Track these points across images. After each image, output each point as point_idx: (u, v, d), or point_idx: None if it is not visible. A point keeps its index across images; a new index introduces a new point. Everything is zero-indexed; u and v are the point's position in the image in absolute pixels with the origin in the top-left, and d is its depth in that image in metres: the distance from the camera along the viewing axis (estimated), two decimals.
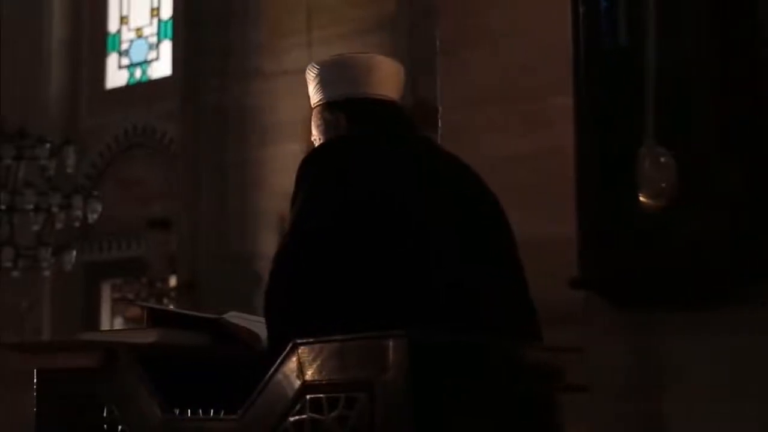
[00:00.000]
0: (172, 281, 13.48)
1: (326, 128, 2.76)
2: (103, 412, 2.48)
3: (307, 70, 2.82)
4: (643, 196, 2.44)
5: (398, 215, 2.50)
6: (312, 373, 2.23)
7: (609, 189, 2.57)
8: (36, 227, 7.96)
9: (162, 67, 14.65)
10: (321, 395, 2.22)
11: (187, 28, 13.85)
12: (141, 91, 14.66)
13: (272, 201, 13.36)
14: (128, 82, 14.94)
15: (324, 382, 2.22)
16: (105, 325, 14.82)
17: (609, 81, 2.56)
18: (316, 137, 2.80)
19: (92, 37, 15.07)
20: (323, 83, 2.76)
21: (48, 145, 7.69)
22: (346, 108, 2.74)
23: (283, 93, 13.28)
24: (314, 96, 2.80)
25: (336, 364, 2.22)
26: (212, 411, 2.44)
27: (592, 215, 2.60)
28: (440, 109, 3.36)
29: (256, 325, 2.81)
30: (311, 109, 2.83)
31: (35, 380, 2.60)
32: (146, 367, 2.47)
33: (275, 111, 13.35)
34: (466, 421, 2.30)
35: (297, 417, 2.24)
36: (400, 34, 12.60)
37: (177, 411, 2.40)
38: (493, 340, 2.43)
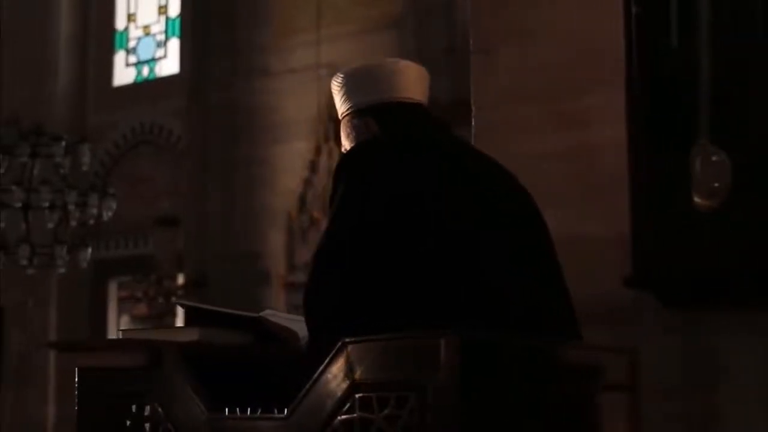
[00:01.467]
0: (180, 279, 13.48)
1: (356, 135, 2.75)
2: (146, 411, 2.48)
3: (333, 81, 2.82)
4: (696, 196, 2.44)
5: (437, 215, 2.50)
6: (361, 372, 2.23)
7: (663, 189, 2.57)
8: (51, 225, 7.95)
9: (169, 64, 14.65)
10: (371, 394, 2.21)
11: (195, 26, 13.85)
12: (148, 88, 14.66)
13: (279, 199, 13.37)
14: (135, 79, 14.94)
15: (374, 382, 2.21)
16: (111, 323, 14.82)
17: (662, 80, 2.56)
18: (347, 147, 2.80)
19: (100, 34, 15.07)
20: (350, 92, 2.76)
21: (63, 143, 7.68)
22: (375, 113, 2.74)
23: (290, 91, 13.28)
24: (342, 106, 2.80)
25: (386, 363, 2.21)
26: (252, 410, 2.43)
27: (646, 215, 2.59)
28: (473, 108, 3.36)
29: (293, 322, 2.81)
30: (338, 120, 2.82)
31: (76, 379, 2.59)
32: (189, 365, 2.47)
33: (282, 109, 13.35)
34: (513, 422, 2.30)
35: (346, 416, 2.23)
36: (407, 33, 12.60)
37: (224, 410, 2.39)
38: (541, 340, 2.43)
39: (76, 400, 2.61)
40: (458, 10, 12.39)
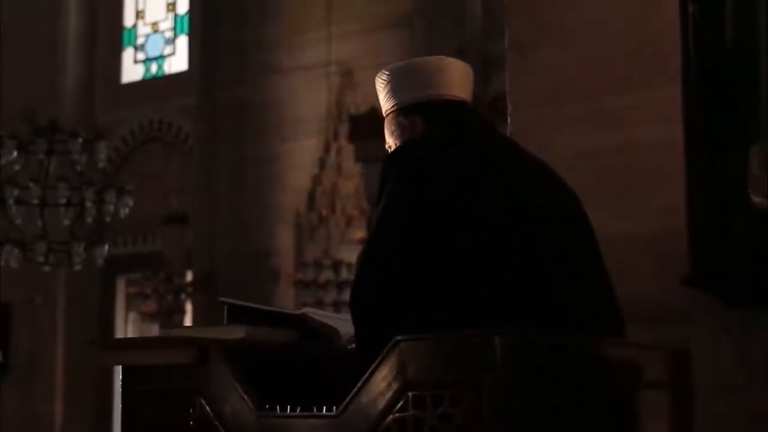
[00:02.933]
0: (189, 276, 13.47)
1: (402, 133, 2.74)
2: (191, 409, 2.47)
3: (377, 78, 2.80)
4: (753, 195, 2.43)
5: (484, 213, 2.49)
6: (414, 370, 2.22)
7: (720, 188, 2.56)
8: (67, 222, 7.94)
9: (178, 62, 14.64)
10: (424, 393, 2.20)
11: (204, 23, 13.84)
12: (157, 86, 14.65)
13: (288, 196, 13.36)
14: (144, 76, 14.92)
15: (427, 380, 2.20)
16: (119, 320, 14.82)
17: (719, 79, 2.55)
18: (392, 145, 2.78)
19: (108, 31, 15.06)
20: (395, 89, 2.75)
21: (80, 140, 7.67)
22: (422, 110, 2.72)
23: (300, 89, 13.28)
24: (386, 103, 2.78)
25: (440, 361, 2.20)
26: (297, 408, 2.42)
27: (704, 214, 2.59)
28: (508, 106, 3.35)
29: (334, 320, 2.80)
30: (382, 117, 2.81)
31: (121, 377, 2.59)
32: (236, 363, 2.46)
33: (292, 107, 13.35)
34: (562, 419, 2.29)
35: (399, 414, 2.22)
36: (417, 31, 12.59)
37: (272, 408, 2.38)
38: (591, 338, 2.42)
39: (121, 399, 2.60)
40: (469, 8, 12.39)
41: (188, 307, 13.37)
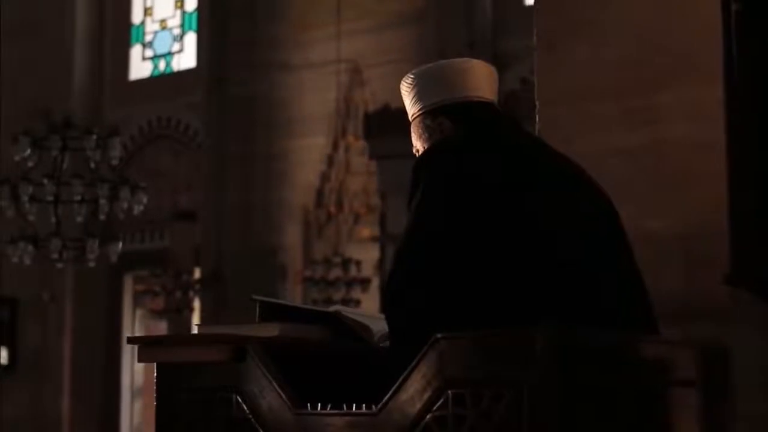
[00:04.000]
0: (197, 273, 13.48)
1: (430, 135, 2.74)
2: (229, 407, 2.47)
3: (402, 82, 2.80)
4: None
5: (517, 213, 2.49)
6: (454, 368, 2.21)
7: (763, 186, 2.56)
8: (80, 219, 7.95)
9: (186, 59, 14.64)
10: (464, 391, 2.20)
11: (213, 20, 13.84)
12: (165, 82, 14.66)
13: (297, 194, 13.38)
14: (152, 73, 14.92)
15: (467, 378, 2.20)
16: (127, 316, 14.83)
17: (763, 77, 2.55)
18: (419, 147, 2.78)
19: (116, 28, 15.07)
20: (421, 92, 2.75)
21: (94, 136, 7.67)
22: (448, 112, 2.72)
23: (308, 86, 13.29)
24: (413, 107, 2.78)
25: (479, 359, 2.20)
26: (333, 405, 2.42)
27: (746, 212, 2.59)
28: (537, 104, 3.34)
29: (366, 318, 2.80)
30: (408, 121, 2.81)
31: (156, 374, 2.58)
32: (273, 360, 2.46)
33: (301, 104, 13.36)
34: (603, 417, 2.29)
35: (438, 413, 2.22)
36: (427, 28, 12.59)
37: (308, 405, 2.38)
38: (629, 336, 2.42)
39: (155, 396, 2.60)
40: (478, 5, 12.38)
41: (196, 304, 13.37)
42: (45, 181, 7.70)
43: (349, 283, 11.78)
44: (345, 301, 11.22)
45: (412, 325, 2.44)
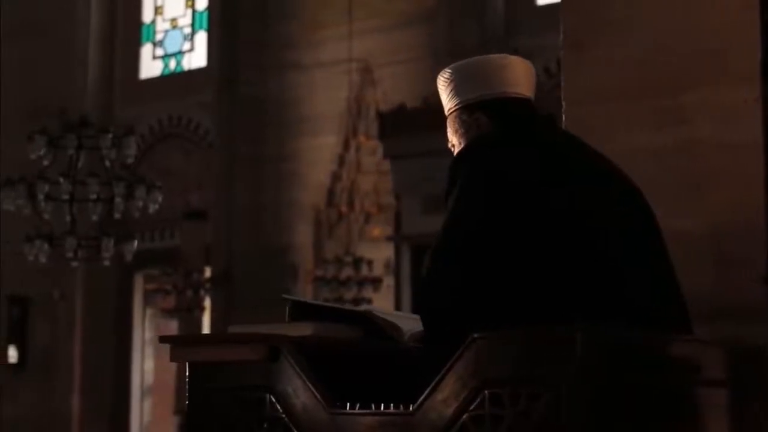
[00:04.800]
0: (208, 272, 13.49)
1: (466, 130, 2.73)
2: (263, 406, 2.46)
3: (439, 77, 2.79)
4: None
5: (554, 210, 2.49)
6: (491, 368, 2.21)
7: None
8: (95, 217, 7.96)
9: (197, 58, 14.65)
10: (501, 390, 2.19)
11: (223, 19, 13.84)
12: (175, 81, 14.66)
13: (307, 193, 13.38)
14: (163, 72, 14.93)
15: (504, 377, 2.20)
16: (137, 315, 14.84)
17: None
18: (456, 143, 2.77)
19: (127, 27, 15.07)
20: (458, 87, 2.74)
21: (110, 135, 7.68)
22: (486, 108, 2.72)
23: (319, 85, 13.29)
24: (449, 101, 2.77)
25: (517, 358, 2.19)
26: (366, 405, 2.41)
27: None
28: (563, 103, 3.34)
29: (396, 317, 2.80)
30: (445, 117, 2.80)
31: (187, 373, 2.58)
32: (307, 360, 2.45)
33: (311, 103, 13.36)
34: (639, 416, 2.28)
35: (476, 412, 2.21)
36: (439, 28, 12.59)
37: (344, 405, 2.37)
38: (664, 336, 2.42)
39: (188, 396, 2.59)
40: (490, 4, 12.37)
41: (207, 303, 13.38)
42: (61, 179, 7.71)
43: (361, 283, 11.78)
44: (356, 301, 11.22)
45: (448, 324, 2.44)
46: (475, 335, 2.23)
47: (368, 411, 2.35)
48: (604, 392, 2.17)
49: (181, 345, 2.59)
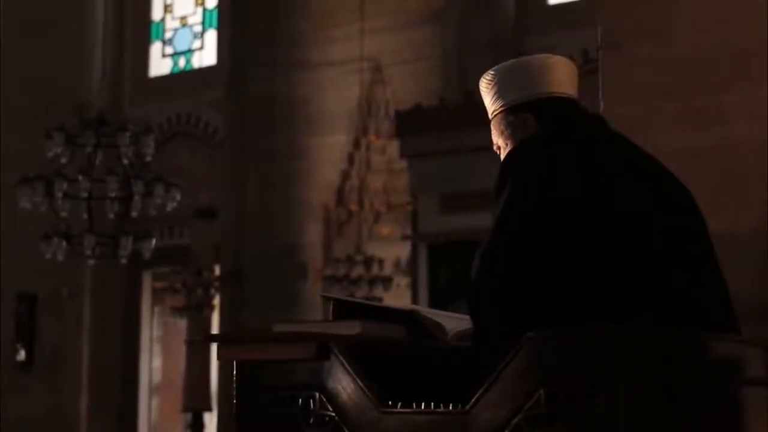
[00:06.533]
0: (217, 271, 13.48)
1: (513, 132, 2.72)
2: (312, 405, 2.46)
3: (482, 80, 2.79)
4: None
5: (606, 210, 2.49)
6: (546, 367, 2.21)
7: None
8: (111, 215, 7.96)
9: (206, 56, 14.64)
10: (557, 389, 2.19)
11: (233, 17, 13.83)
12: (185, 80, 14.65)
13: (317, 192, 13.36)
14: (172, 70, 14.92)
15: (560, 377, 2.19)
16: (145, 313, 14.83)
17: None
18: (501, 145, 2.76)
19: (136, 25, 15.06)
20: (502, 89, 2.73)
21: (128, 133, 7.68)
22: (532, 108, 2.71)
23: (329, 84, 13.28)
24: (494, 104, 2.76)
25: (573, 357, 2.19)
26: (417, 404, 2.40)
27: None
28: (601, 104, 3.33)
29: (439, 316, 2.79)
30: (489, 119, 2.80)
31: (234, 372, 2.57)
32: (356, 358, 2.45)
33: (321, 102, 13.35)
34: (691, 417, 2.28)
35: (530, 412, 2.21)
36: (449, 27, 12.58)
37: (394, 404, 2.37)
38: (719, 336, 2.42)
39: (235, 394, 2.59)
40: (501, 3, 12.36)
41: (216, 301, 13.37)
42: (80, 177, 7.70)
43: (372, 282, 11.78)
44: (367, 299, 11.23)
45: (499, 324, 2.43)
46: (530, 334, 2.23)
47: (420, 410, 2.34)
48: (658, 392, 2.17)
49: (228, 343, 2.58)
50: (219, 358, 2.60)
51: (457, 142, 10.85)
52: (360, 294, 11.64)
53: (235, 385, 2.59)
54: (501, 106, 2.75)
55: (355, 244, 12.59)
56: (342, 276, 11.86)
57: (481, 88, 2.81)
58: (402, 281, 12.18)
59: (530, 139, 2.66)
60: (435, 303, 10.68)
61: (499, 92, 2.75)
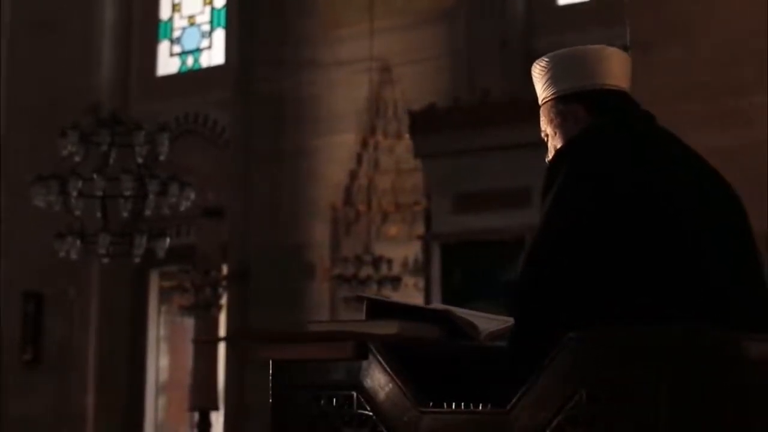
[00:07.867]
0: (225, 270, 13.48)
1: (562, 121, 2.71)
2: (350, 405, 2.47)
3: (535, 65, 2.78)
4: None
5: (656, 208, 2.49)
6: (588, 367, 2.21)
7: None
8: (125, 214, 7.96)
9: (214, 55, 14.63)
10: (599, 390, 2.20)
11: (242, 17, 13.82)
12: (193, 79, 14.64)
13: (324, 191, 13.36)
14: (180, 69, 14.91)
15: (602, 377, 2.20)
16: (152, 312, 14.83)
17: None
18: (550, 133, 2.75)
19: (144, 24, 15.06)
20: (555, 77, 2.72)
21: (143, 132, 7.69)
22: (583, 99, 2.70)
23: (337, 83, 13.27)
24: (545, 90, 2.75)
25: (615, 358, 2.20)
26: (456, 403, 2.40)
27: None
28: None
29: (472, 316, 2.80)
30: (537, 106, 2.79)
31: (270, 371, 2.58)
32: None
33: (329, 101, 13.34)
34: (733, 416, 2.28)
35: (571, 412, 2.22)
36: (459, 26, 12.57)
37: (438, 404, 2.37)
38: (760, 336, 2.42)
39: (271, 394, 2.59)
40: (510, 3, 12.35)
41: (224, 300, 13.36)
42: (95, 176, 7.71)
43: (381, 282, 11.78)
44: None
45: (542, 324, 2.43)
46: (571, 335, 2.24)
47: (459, 410, 2.35)
48: (699, 391, 2.17)
49: (264, 342, 2.59)
50: (256, 357, 2.60)
51: (470, 142, 10.85)
52: (369, 294, 11.64)
53: (271, 385, 2.59)
54: (552, 94, 2.74)
55: (363, 243, 12.59)
56: (350, 276, 11.85)
57: (533, 73, 2.80)
58: (410, 281, 12.18)
59: (579, 136, 2.65)
60: (448, 303, 10.66)
61: (552, 79, 2.74)
